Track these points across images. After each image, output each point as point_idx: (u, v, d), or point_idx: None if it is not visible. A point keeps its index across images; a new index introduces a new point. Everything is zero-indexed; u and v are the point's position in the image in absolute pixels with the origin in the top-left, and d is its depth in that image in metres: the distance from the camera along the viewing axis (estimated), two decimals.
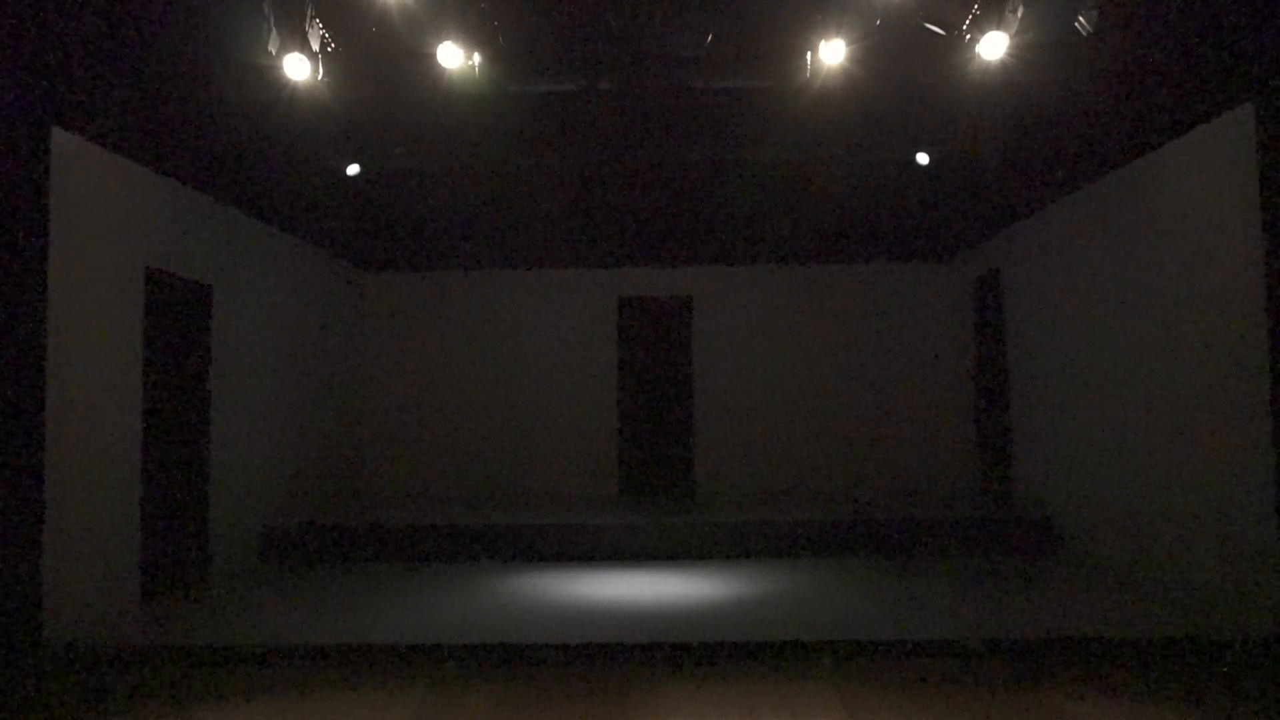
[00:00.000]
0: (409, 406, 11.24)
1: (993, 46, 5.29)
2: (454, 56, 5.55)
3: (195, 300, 7.43)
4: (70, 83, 5.59)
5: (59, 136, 5.70)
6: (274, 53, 5.40)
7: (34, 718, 4.72)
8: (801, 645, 5.51)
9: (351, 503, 10.54)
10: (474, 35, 5.58)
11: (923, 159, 7.44)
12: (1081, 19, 5.14)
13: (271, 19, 5.30)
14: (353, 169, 7.58)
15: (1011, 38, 5.26)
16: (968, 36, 5.42)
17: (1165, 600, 6.40)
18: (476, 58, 5.71)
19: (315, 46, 5.49)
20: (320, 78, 5.66)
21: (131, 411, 6.49)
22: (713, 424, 11.18)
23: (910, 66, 5.87)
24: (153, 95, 6.01)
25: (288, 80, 5.54)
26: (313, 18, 5.40)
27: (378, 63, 5.87)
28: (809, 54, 5.76)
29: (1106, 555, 7.42)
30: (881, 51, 5.64)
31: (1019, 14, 5.14)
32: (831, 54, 5.53)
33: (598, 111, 6.94)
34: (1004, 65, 5.40)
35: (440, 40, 5.50)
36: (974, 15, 5.33)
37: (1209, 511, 6.10)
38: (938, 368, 11.06)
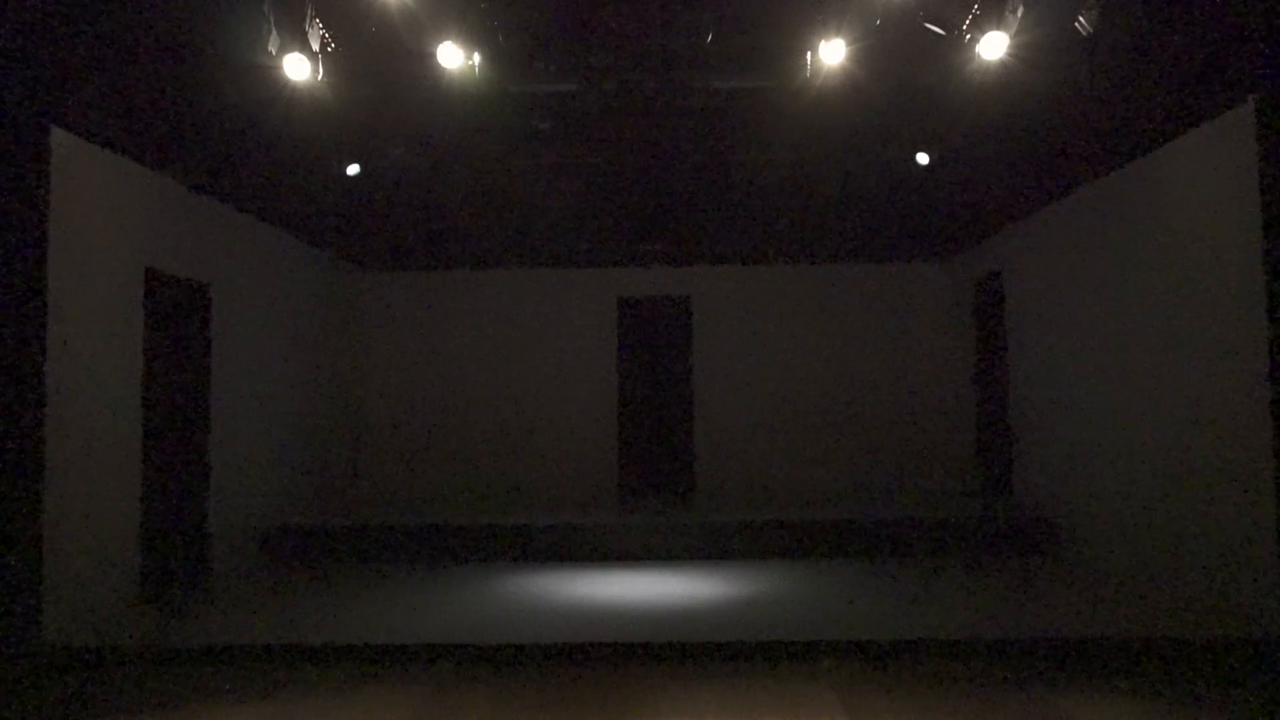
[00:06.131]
0: (409, 406, 11.23)
1: (993, 46, 5.28)
2: (454, 56, 5.55)
3: (195, 300, 7.43)
4: (70, 83, 5.58)
5: (59, 136, 5.70)
6: (274, 53, 5.39)
7: (34, 718, 4.72)
8: (801, 645, 5.51)
9: (351, 503, 10.54)
10: (474, 35, 5.58)
11: (923, 159, 7.44)
12: (1081, 19, 5.13)
13: (271, 19, 5.29)
14: (353, 169, 7.57)
15: (1011, 38, 5.25)
16: (968, 36, 5.42)
17: (1165, 600, 6.39)
18: (476, 58, 5.70)
19: (315, 46, 5.48)
20: (320, 78, 5.65)
21: (131, 411, 6.49)
22: (713, 424, 11.17)
23: (910, 66, 5.87)
24: (153, 95, 6.01)
25: (288, 80, 5.54)
26: (313, 18, 5.39)
27: (378, 63, 5.87)
28: (809, 54, 5.75)
29: (1106, 555, 7.42)
30: (881, 51, 5.64)
31: (1019, 14, 5.13)
32: (831, 54, 5.53)
33: (598, 111, 6.94)
34: (1004, 65, 5.40)
35: (440, 40, 5.49)
36: (974, 15, 5.32)
37: (1208, 511, 6.10)
38: (938, 368, 11.07)
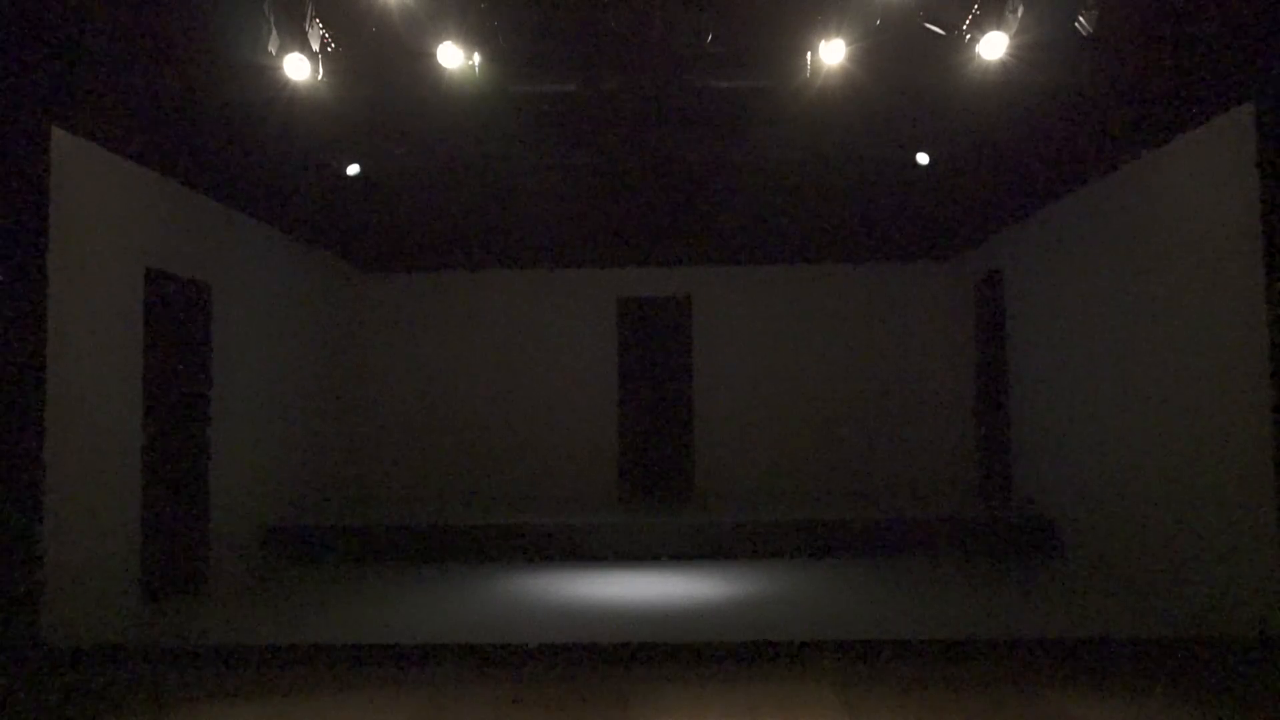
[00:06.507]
0: (409, 406, 11.23)
1: (993, 46, 5.29)
2: (454, 56, 5.56)
3: (195, 300, 7.43)
4: (70, 83, 5.59)
5: (59, 136, 5.70)
6: (274, 53, 5.40)
7: (34, 718, 4.72)
8: (801, 645, 5.51)
9: (351, 503, 10.54)
10: (474, 35, 5.59)
11: (923, 159, 7.44)
12: (1081, 19, 5.14)
13: (271, 19, 5.29)
14: (353, 169, 7.57)
15: (1011, 38, 5.26)
16: (968, 36, 5.42)
17: (1165, 600, 6.40)
18: (476, 58, 5.70)
19: (315, 46, 5.49)
20: (320, 78, 5.66)
21: (131, 411, 6.49)
22: (713, 424, 11.17)
23: (910, 66, 5.87)
24: (152, 95, 6.01)
25: (288, 80, 5.54)
26: (313, 18, 5.39)
27: (378, 63, 5.87)
28: (809, 54, 5.76)
29: (1106, 555, 7.42)
30: (881, 51, 5.64)
31: (1019, 14, 5.14)
32: (831, 54, 5.53)
33: (598, 111, 6.94)
34: (1004, 65, 5.41)
35: (440, 40, 5.50)
36: (974, 15, 5.33)
37: (1209, 511, 6.10)
38: (938, 368, 11.06)
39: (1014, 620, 5.99)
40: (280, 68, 5.48)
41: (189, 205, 7.33)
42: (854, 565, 7.92)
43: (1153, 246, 6.77)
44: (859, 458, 11.00)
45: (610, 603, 6.67)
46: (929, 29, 5.51)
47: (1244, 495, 5.74)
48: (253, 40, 5.38)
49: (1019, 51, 5.35)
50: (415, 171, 8.07)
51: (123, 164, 6.45)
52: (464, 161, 7.91)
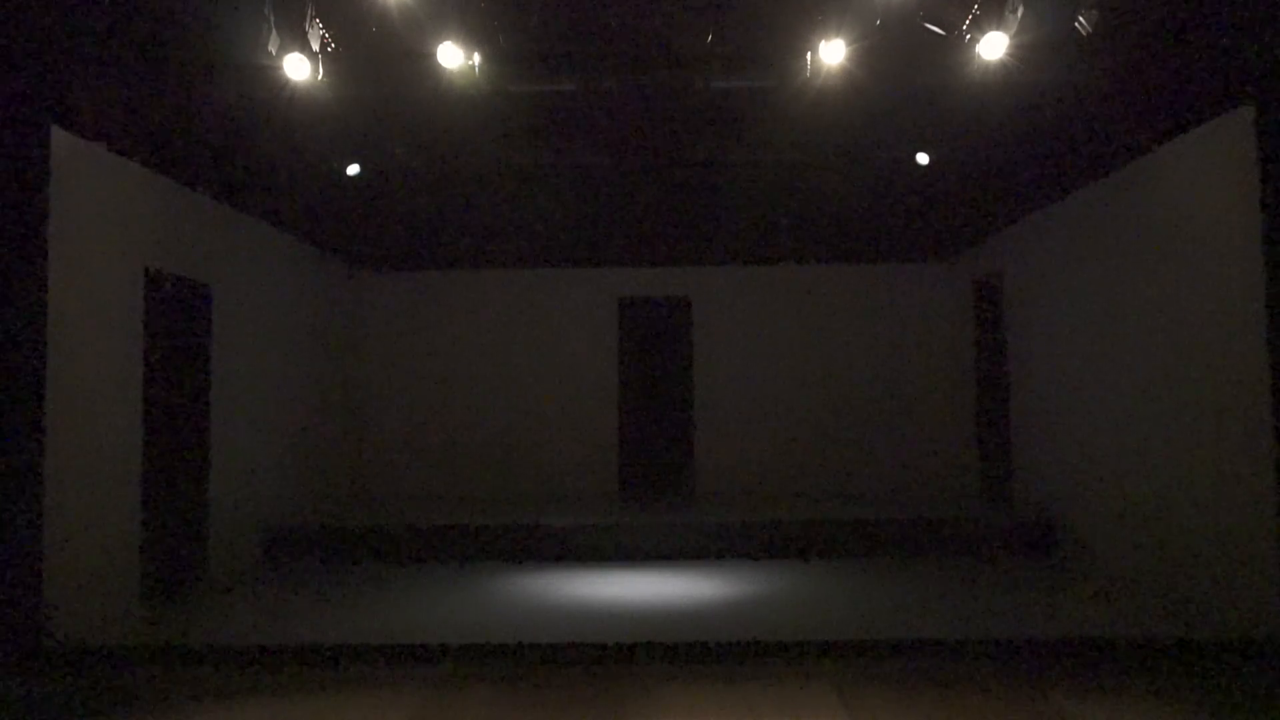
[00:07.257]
0: (408, 406, 11.23)
1: (993, 46, 5.30)
2: (454, 56, 5.56)
3: (195, 300, 7.43)
4: (70, 83, 5.58)
5: (59, 136, 5.69)
6: (274, 53, 5.40)
7: (34, 718, 4.72)
8: (801, 645, 5.51)
9: (352, 503, 10.53)
10: (474, 35, 5.59)
11: (923, 159, 7.44)
12: (1081, 19, 5.15)
13: (271, 19, 5.30)
14: (353, 169, 7.58)
15: (1011, 38, 5.27)
16: (968, 36, 5.43)
17: (1165, 600, 6.40)
18: (476, 58, 5.71)
19: (315, 46, 5.50)
20: (320, 78, 5.67)
21: (131, 411, 6.49)
22: (713, 424, 11.17)
23: (910, 67, 5.88)
24: (153, 95, 6.01)
25: (288, 80, 5.55)
26: (313, 18, 5.40)
27: (378, 63, 5.88)
28: (809, 54, 5.76)
29: (1106, 556, 7.42)
30: (881, 51, 5.65)
31: (1019, 14, 5.15)
32: (831, 54, 5.54)
33: (598, 111, 6.94)
34: (1004, 65, 5.41)
35: (440, 40, 5.50)
36: (974, 15, 5.33)
37: (1209, 511, 6.10)
38: (938, 368, 11.06)
39: (1014, 620, 5.99)
40: (280, 68, 5.48)
41: (189, 205, 7.32)
42: (854, 565, 7.93)
43: (1153, 247, 6.77)
44: (859, 458, 11.00)
45: (610, 603, 6.67)
46: (929, 29, 5.52)
47: (1244, 495, 5.74)
48: (253, 40, 5.38)
49: (1019, 51, 5.36)
50: (415, 171, 8.07)
51: (123, 164, 6.45)
52: (464, 161, 7.92)
